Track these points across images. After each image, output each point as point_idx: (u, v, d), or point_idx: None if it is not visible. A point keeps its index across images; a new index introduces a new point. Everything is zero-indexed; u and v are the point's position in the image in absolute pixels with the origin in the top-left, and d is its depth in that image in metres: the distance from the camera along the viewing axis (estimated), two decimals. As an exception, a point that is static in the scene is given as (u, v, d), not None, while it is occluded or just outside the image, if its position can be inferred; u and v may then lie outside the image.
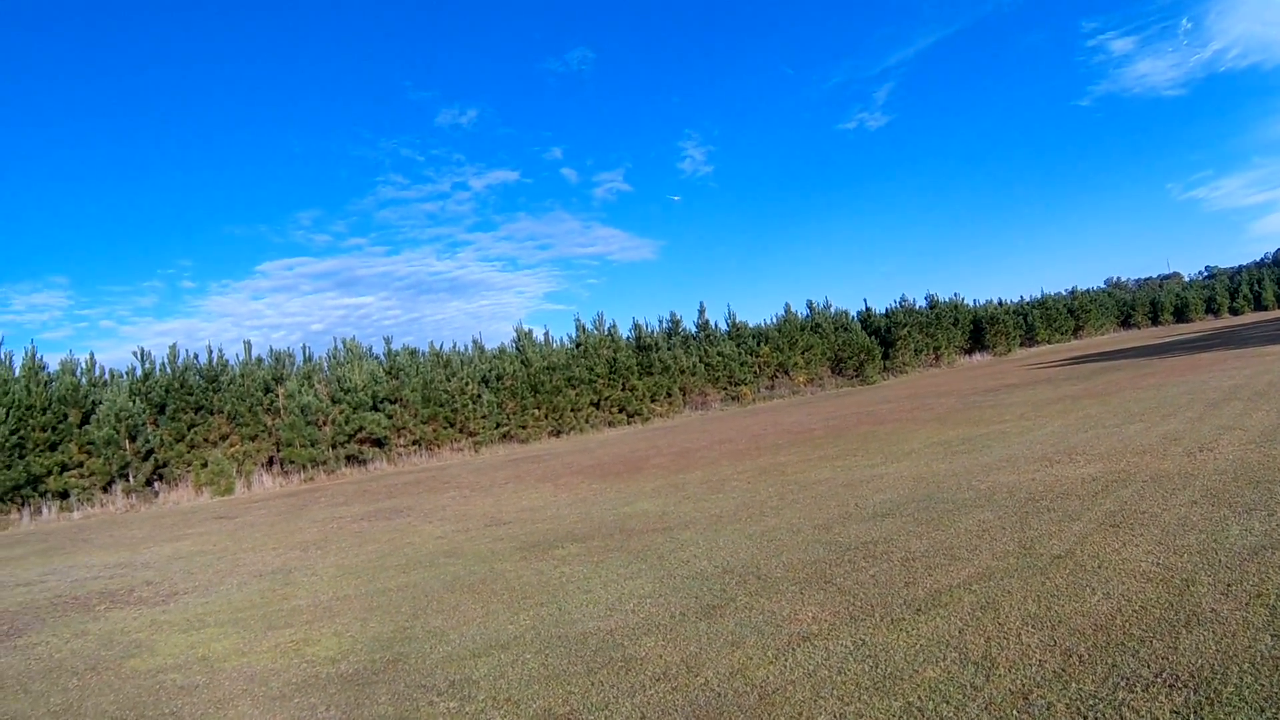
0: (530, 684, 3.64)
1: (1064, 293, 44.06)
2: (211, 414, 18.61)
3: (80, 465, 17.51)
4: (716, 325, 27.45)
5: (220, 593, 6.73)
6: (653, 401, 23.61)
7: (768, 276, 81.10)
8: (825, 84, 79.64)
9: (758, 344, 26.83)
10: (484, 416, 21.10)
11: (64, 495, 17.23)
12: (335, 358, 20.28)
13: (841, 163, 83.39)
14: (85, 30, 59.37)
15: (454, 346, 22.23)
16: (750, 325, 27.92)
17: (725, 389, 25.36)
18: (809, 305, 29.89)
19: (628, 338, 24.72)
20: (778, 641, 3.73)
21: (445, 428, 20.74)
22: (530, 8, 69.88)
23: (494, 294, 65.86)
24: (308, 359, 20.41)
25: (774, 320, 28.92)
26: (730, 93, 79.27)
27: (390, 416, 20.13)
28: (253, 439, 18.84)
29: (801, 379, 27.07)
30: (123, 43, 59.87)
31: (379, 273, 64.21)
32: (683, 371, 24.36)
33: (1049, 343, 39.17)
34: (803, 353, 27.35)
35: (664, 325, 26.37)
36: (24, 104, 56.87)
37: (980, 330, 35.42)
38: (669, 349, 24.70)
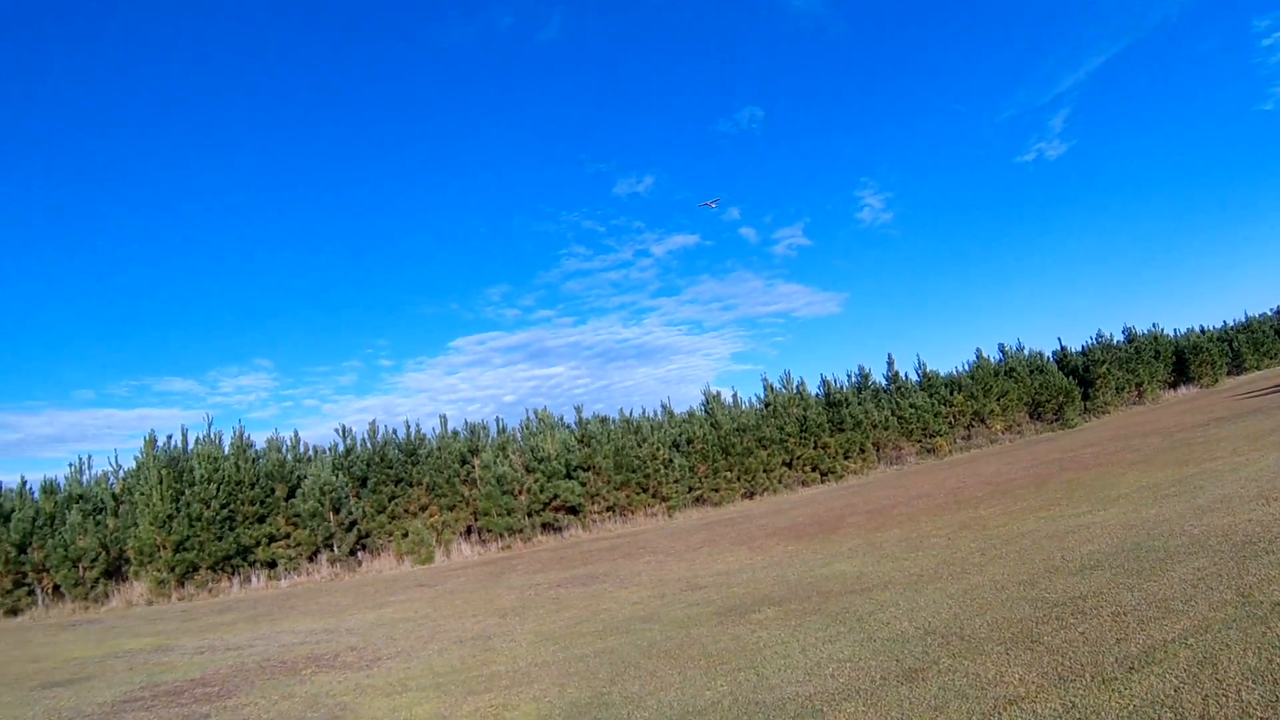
0: None
1: (1270, 313, 38.88)
2: (411, 486, 18.09)
3: (287, 536, 17.36)
4: (906, 376, 25.33)
5: (421, 658, 6.77)
6: (845, 458, 21.71)
7: (956, 321, 76.94)
8: (998, 117, 74.64)
9: (950, 393, 24.43)
10: (676, 481, 19.81)
11: (272, 565, 17.16)
12: (528, 428, 19.58)
13: (1023, 196, 77.56)
14: (280, 129, 64.50)
15: (643, 412, 21.18)
16: (941, 374, 25.57)
17: (919, 441, 23.17)
18: (1001, 349, 27.14)
19: (817, 394, 22.97)
20: (983, 706, 3.55)
21: (638, 493, 19.58)
22: (697, 73, 70.13)
23: (681, 357, 66.08)
24: (501, 430, 19.83)
25: (966, 367, 26.39)
26: (902, 136, 76.19)
27: (583, 484, 19.14)
28: (451, 509, 18.22)
29: (998, 426, 24.50)
30: (314, 139, 64.98)
31: (568, 343, 65.04)
32: (874, 426, 22.34)
33: (1258, 369, 34.68)
34: (998, 399, 24.74)
35: (853, 380, 24.66)
36: (234, 203, 62.73)
37: (1183, 361, 31.54)
38: (859, 403, 22.75)
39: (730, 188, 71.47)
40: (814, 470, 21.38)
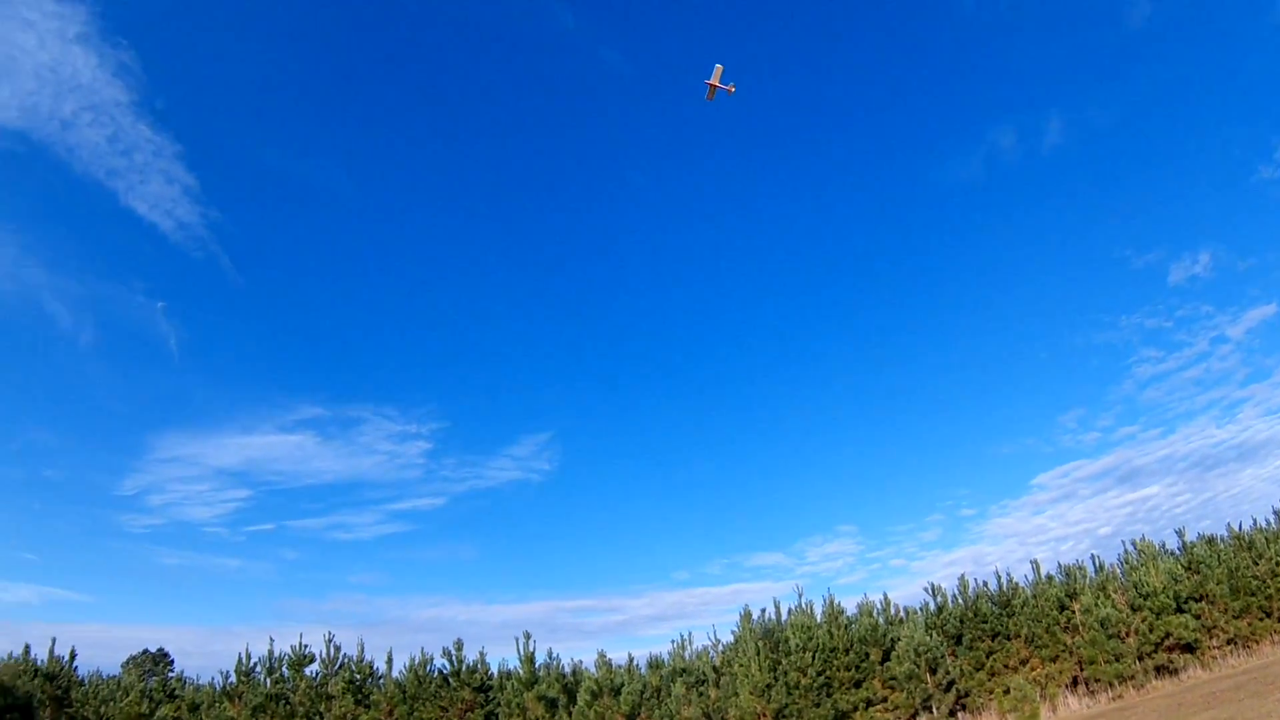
0: None
1: None
2: (1008, 639, 16.03)
3: (884, 700, 16.14)
4: None
5: None
6: None
7: None
8: None
9: None
10: (1311, 604, 16.01)
11: (869, 728, 16.07)
12: (1128, 561, 16.84)
13: None
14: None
15: (1254, 524, 17.28)
16: None
17: None
18: None
19: None
20: None
21: (1260, 619, 16.11)
22: (1219, 126, 58.62)
23: None
24: (1100, 568, 17.27)
25: None
26: None
27: (1197, 616, 16.00)
28: (1053, 660, 15.98)
29: None
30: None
31: (1158, 458, 58.09)
32: None
33: None
34: None
35: None
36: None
37: None
38: None
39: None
40: None
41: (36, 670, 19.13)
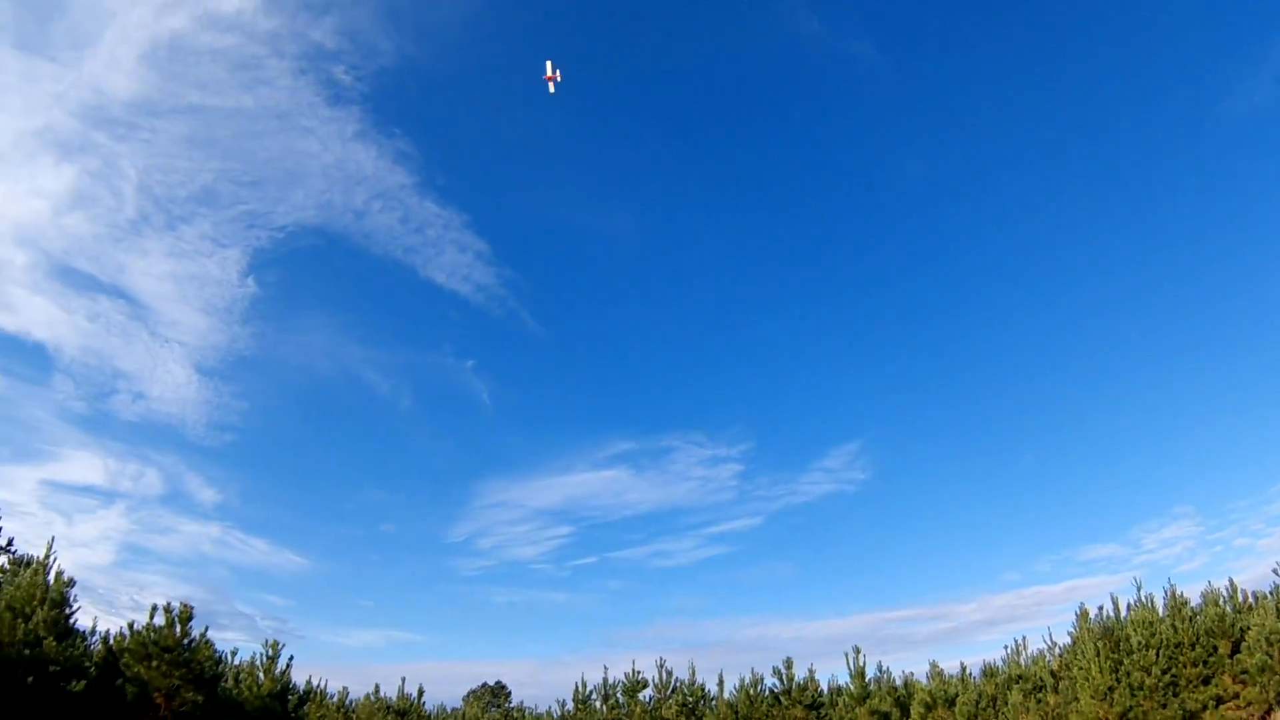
0: None
1: None
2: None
3: (1235, 696, 15.90)
4: None
5: None
6: None
7: None
8: None
9: None
10: None
11: (1223, 729, 15.84)
12: None
13: None
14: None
15: None
16: None
17: None
18: None
19: None
20: None
21: None
22: None
23: None
24: None
25: None
26: None
27: None
28: None
29: None
30: None
31: None
32: None
33: None
34: None
35: None
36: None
37: None
38: None
39: None
40: None
41: (389, 708, 22.77)
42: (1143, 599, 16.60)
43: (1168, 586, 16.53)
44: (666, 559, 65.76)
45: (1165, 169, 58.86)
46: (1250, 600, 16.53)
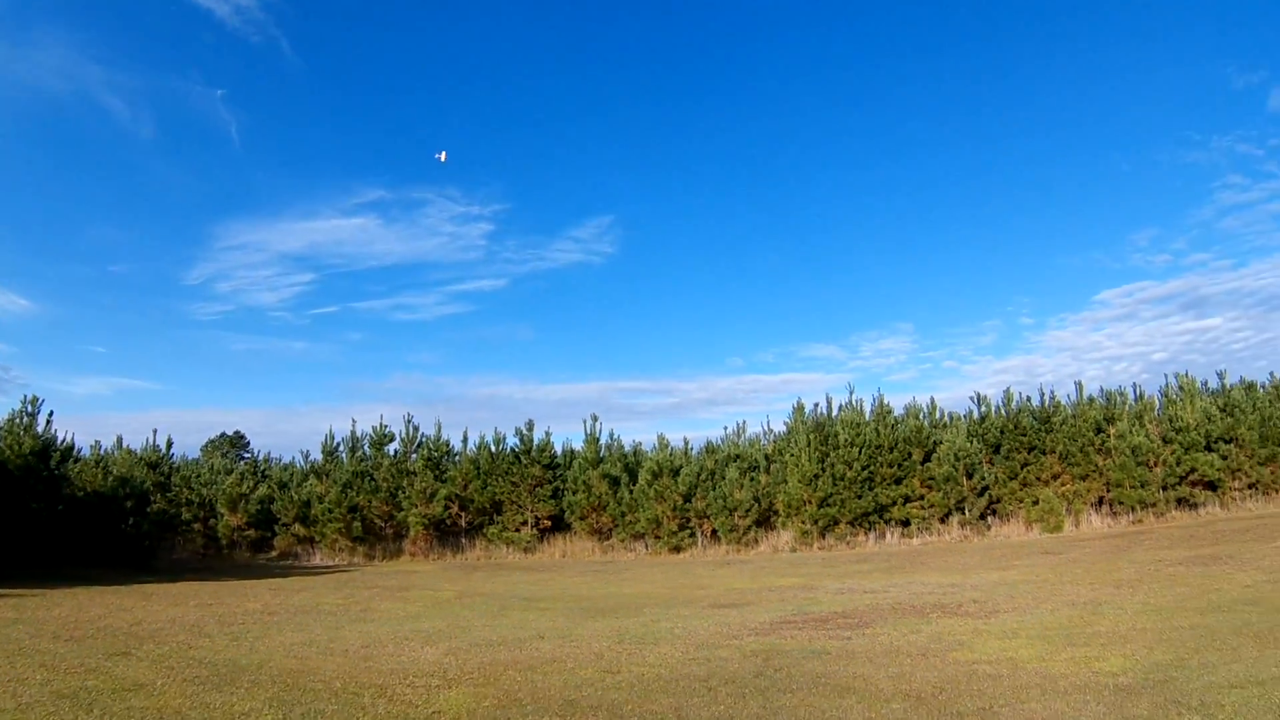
0: (1264, 714, 4.08)
1: None
2: (1044, 454, 17.37)
3: (921, 498, 17.66)
4: None
5: (1034, 615, 7.47)
6: None
7: None
8: None
9: None
10: (1336, 457, 17.03)
11: (905, 523, 17.71)
12: (1167, 395, 17.79)
13: None
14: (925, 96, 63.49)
15: None
16: None
17: None
18: None
19: None
20: None
21: (1286, 468, 17.17)
22: None
23: None
24: (1140, 397, 18.41)
25: None
26: None
27: (1224, 457, 17.12)
28: (1083, 479, 17.30)
29: None
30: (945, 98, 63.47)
31: (1226, 290, 56.16)
32: None
33: None
34: None
35: None
36: (877, 166, 63.96)
37: None
38: None
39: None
40: None
41: (139, 459, 20.97)
42: (853, 402, 17.76)
43: (877, 394, 17.83)
44: (409, 313, 63.04)
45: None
46: (946, 419, 18.11)
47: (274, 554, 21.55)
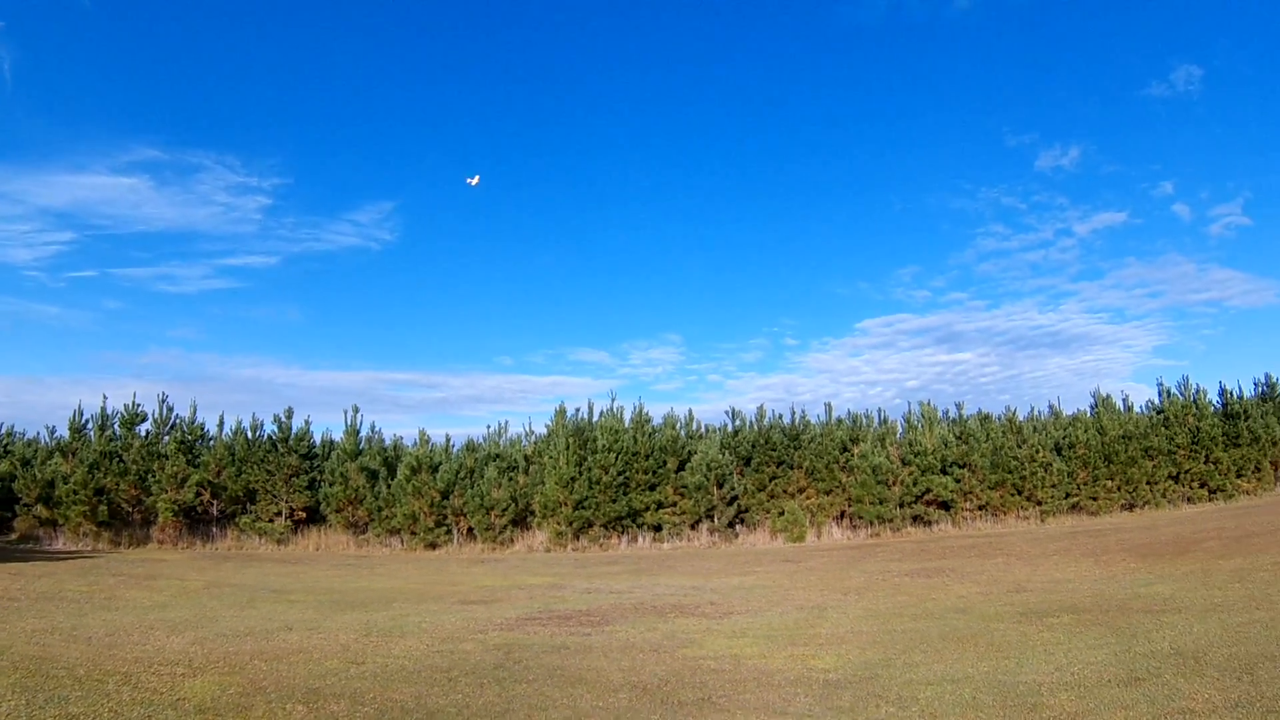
0: (953, 706, 4.54)
1: None
2: (792, 468, 17.91)
3: (674, 505, 17.86)
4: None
5: (764, 617, 7.92)
6: (1238, 476, 19.38)
7: None
8: None
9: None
10: (1053, 485, 18.43)
11: (657, 528, 17.90)
12: (909, 420, 18.71)
13: None
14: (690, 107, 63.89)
15: (1030, 412, 19.64)
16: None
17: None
18: None
19: (1215, 404, 20.36)
20: (1160, 711, 4.19)
21: (1012, 494, 18.42)
22: (1125, 30, 59.25)
23: (1099, 348, 59.08)
24: (884, 421, 19.34)
25: None
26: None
27: (958, 480, 18.20)
28: (827, 493, 17.96)
29: None
30: (721, 122, 64.27)
31: (978, 328, 59.93)
32: (1274, 443, 19.70)
33: None
34: None
35: (1259, 388, 21.56)
36: (645, 180, 63.80)
37: None
38: (1260, 416, 20.02)
39: (1164, 159, 59.70)
40: (1201, 487, 19.25)
41: None
42: (614, 409, 17.84)
43: (637, 403, 18.05)
44: (173, 284, 58.02)
45: None
46: (702, 430, 18.46)
47: (14, 536, 19.54)
